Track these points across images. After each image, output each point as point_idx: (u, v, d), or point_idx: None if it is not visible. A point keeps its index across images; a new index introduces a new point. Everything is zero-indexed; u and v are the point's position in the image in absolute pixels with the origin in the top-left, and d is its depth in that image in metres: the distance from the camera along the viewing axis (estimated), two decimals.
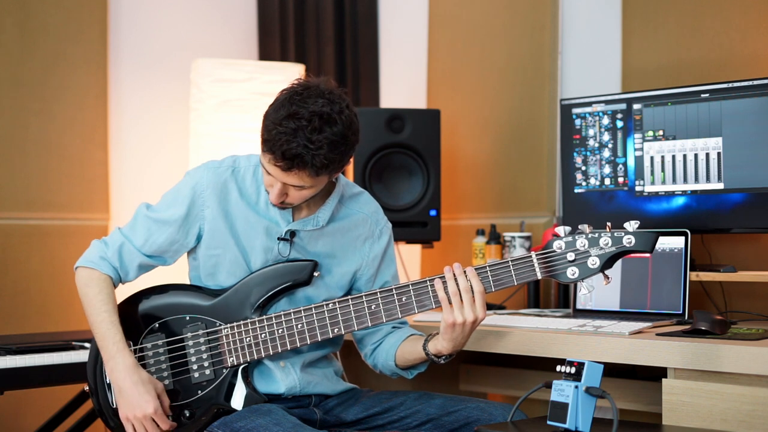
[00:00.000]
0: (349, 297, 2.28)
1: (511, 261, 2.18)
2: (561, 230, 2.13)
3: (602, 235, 2.10)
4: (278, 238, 2.35)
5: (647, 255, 2.38)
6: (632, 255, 2.16)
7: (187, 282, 2.46)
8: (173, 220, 2.35)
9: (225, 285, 2.37)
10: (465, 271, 2.20)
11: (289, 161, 2.14)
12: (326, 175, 2.21)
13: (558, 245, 2.13)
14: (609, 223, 2.13)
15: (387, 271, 2.48)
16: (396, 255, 2.55)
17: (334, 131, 2.15)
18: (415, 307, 2.24)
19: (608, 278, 2.11)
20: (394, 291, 2.25)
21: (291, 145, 2.12)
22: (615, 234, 2.10)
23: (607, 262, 2.10)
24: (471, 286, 2.19)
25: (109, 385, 2.35)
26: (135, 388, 2.25)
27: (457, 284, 2.20)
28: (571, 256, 2.12)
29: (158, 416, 2.26)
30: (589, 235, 2.11)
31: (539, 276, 2.15)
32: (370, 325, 2.27)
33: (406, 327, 2.47)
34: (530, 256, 2.16)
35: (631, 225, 2.08)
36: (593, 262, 2.11)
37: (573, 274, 2.12)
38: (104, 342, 2.29)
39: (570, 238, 2.13)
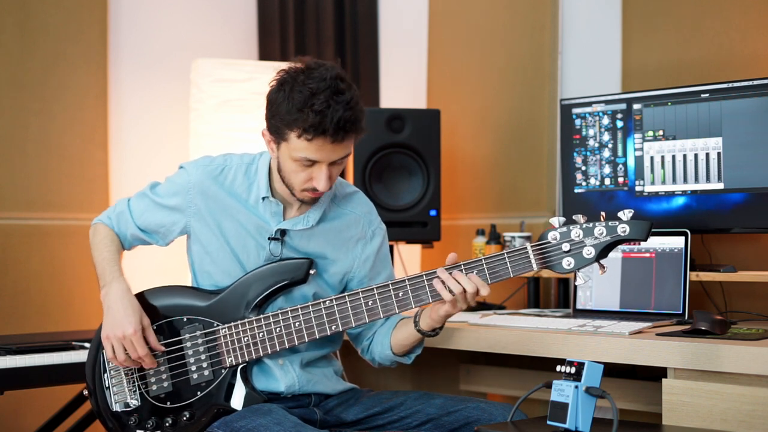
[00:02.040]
0: (346, 294, 2.27)
1: (507, 253, 2.17)
2: (555, 221, 2.13)
3: (596, 224, 2.10)
4: (269, 238, 2.36)
5: (649, 255, 2.38)
6: (630, 249, 2.15)
7: (188, 281, 2.47)
8: (166, 206, 2.41)
9: (221, 284, 2.38)
10: (468, 276, 2.17)
11: (342, 130, 2.16)
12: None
13: (552, 236, 2.13)
14: (603, 213, 2.12)
15: (382, 273, 2.47)
16: (390, 257, 2.52)
17: (350, 86, 2.19)
18: (412, 302, 2.22)
19: (604, 268, 2.11)
20: (390, 287, 2.24)
21: (337, 113, 2.14)
22: (609, 223, 2.09)
23: (602, 252, 2.09)
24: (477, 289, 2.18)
25: (107, 387, 2.36)
26: (123, 309, 2.29)
27: (461, 284, 2.17)
28: (566, 247, 2.11)
29: (136, 339, 2.28)
30: (584, 226, 2.11)
31: (535, 267, 2.14)
32: (367, 321, 2.26)
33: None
34: (525, 248, 2.15)
35: (625, 214, 2.08)
36: (588, 252, 2.10)
37: (569, 265, 2.11)
38: (102, 273, 2.37)
39: (564, 229, 2.12)
